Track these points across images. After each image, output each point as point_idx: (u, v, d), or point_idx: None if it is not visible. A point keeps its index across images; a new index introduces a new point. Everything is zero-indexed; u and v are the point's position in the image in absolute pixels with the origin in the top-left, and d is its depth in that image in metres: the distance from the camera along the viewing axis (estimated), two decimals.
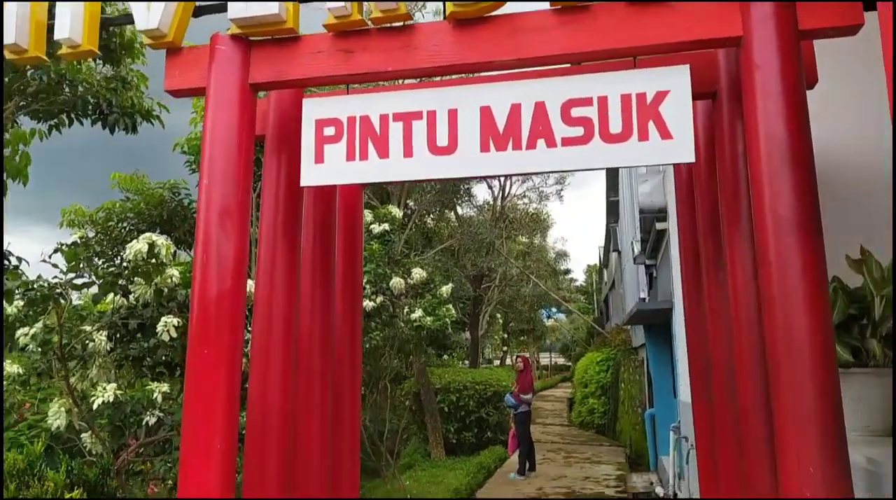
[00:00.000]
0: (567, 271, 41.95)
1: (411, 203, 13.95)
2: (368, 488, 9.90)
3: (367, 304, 8.64)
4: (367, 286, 8.79)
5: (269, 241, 3.98)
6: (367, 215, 9.30)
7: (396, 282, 8.71)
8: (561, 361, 48.62)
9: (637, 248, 9.69)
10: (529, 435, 10.76)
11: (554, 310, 37.11)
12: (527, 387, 10.61)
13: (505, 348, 27.13)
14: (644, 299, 9.12)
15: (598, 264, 37.78)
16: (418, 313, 8.96)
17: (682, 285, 4.67)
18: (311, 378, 4.38)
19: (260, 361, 3.84)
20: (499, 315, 25.46)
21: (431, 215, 15.99)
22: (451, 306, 9.60)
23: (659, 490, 8.62)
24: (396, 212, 9.41)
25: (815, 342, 2.59)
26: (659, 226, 8.16)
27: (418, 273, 9.05)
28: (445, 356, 18.03)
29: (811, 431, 2.56)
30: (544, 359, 47.01)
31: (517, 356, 12.95)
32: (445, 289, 9.39)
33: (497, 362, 27.69)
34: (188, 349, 2.76)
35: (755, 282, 3.20)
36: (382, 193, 12.71)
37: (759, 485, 3.21)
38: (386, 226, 9.03)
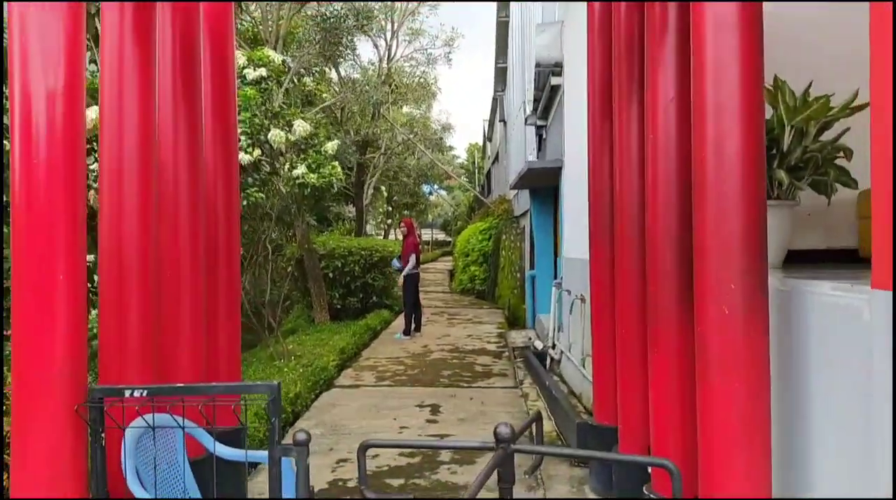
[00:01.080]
0: (451, 148, 41.83)
1: (288, 60, 12.72)
2: (248, 355, 9.61)
3: (244, 157, 7.88)
4: (243, 138, 7.98)
5: (113, 50, 3.21)
6: (241, 58, 8.26)
7: (276, 135, 7.96)
8: (442, 237, 49.79)
9: (529, 107, 9.47)
10: (417, 297, 10.82)
11: (436, 186, 37.21)
12: (412, 249, 10.51)
13: (389, 221, 27.03)
14: (534, 160, 9.04)
15: (480, 143, 37.84)
16: (301, 169, 8.34)
17: (589, 125, 4.47)
18: (176, 229, 3.83)
19: (111, 192, 3.23)
20: (383, 188, 25.05)
21: (311, 75, 14.79)
22: (336, 164, 9.03)
23: (537, 344, 9.05)
24: (274, 56, 8.43)
25: (747, 156, 2.44)
26: (554, 81, 7.91)
27: (301, 127, 8.31)
28: (326, 231, 17.56)
29: (735, 248, 2.48)
30: (426, 235, 47.88)
31: (401, 220, 12.76)
32: (331, 145, 8.75)
33: (381, 236, 27.64)
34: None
35: (676, 102, 3.01)
36: (254, 40, 11.41)
37: (665, 337, 3.21)
38: (263, 71, 8.09)
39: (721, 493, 2.46)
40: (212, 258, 4.31)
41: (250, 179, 8.14)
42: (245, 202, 7.91)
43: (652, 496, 3.13)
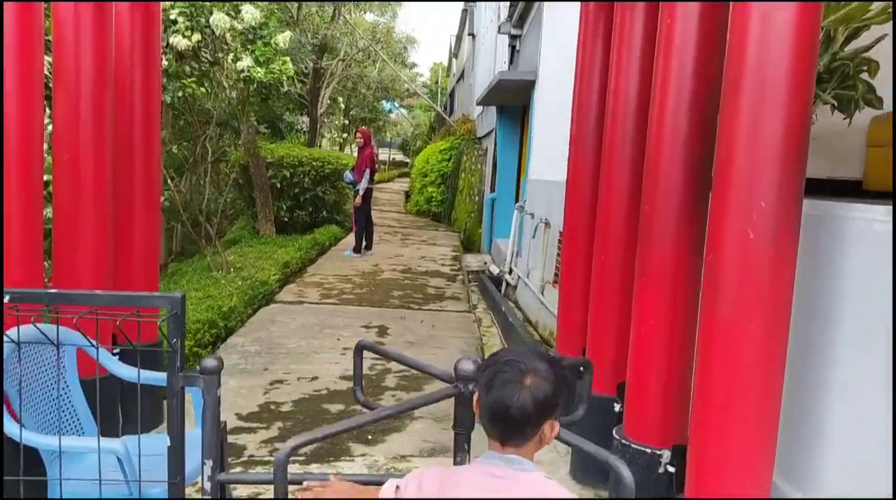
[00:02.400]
0: (414, 65, 40.05)
1: None
2: (184, 265, 8.93)
3: (180, 41, 6.93)
4: (181, 19, 7.00)
5: None
6: None
7: (220, 19, 7.01)
8: (400, 157, 48.56)
9: (505, 13, 8.68)
10: (369, 214, 10.21)
11: (397, 104, 35.94)
12: (367, 163, 9.80)
13: (345, 135, 25.85)
14: (506, 71, 8.35)
15: (445, 62, 36.31)
16: (247, 62, 7.42)
17: (582, 15, 3.85)
18: (75, 112, 3.07)
19: None
20: (340, 99, 23.75)
21: None
22: (288, 60, 8.12)
23: (493, 268, 8.66)
24: None
25: (799, 39, 1.91)
26: None
27: (250, 13, 7.35)
28: (278, 142, 16.50)
29: (772, 155, 1.97)
30: (383, 154, 46.60)
31: (357, 130, 11.93)
32: (283, 38, 7.82)
33: (336, 149, 26.50)
34: None
35: None
36: None
37: (659, 263, 2.73)
38: None
39: (718, 446, 2.08)
40: (124, 154, 3.61)
41: (188, 68, 7.22)
42: (180, 94, 7.05)
43: (623, 440, 2.76)
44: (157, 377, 2.45)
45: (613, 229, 3.19)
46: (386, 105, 33.00)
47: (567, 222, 3.95)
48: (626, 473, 1.65)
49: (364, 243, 10.15)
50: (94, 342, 2.22)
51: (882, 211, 1.90)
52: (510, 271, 7.86)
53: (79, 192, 3.13)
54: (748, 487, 2.07)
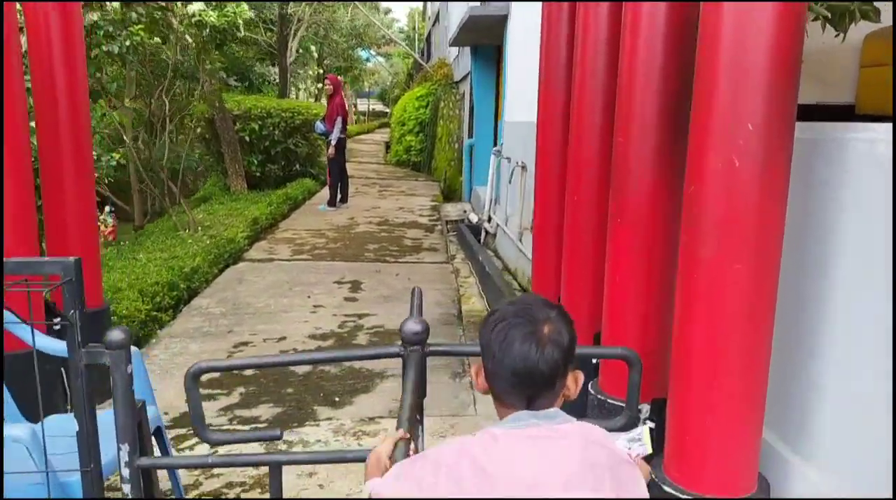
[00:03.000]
0: (388, 11, 38.69)
1: None
2: (152, 226, 8.57)
3: None
4: None
5: None
6: None
7: None
8: (379, 107, 47.46)
9: None
10: (343, 165, 9.83)
11: (373, 52, 34.89)
12: (338, 111, 9.36)
13: (319, 86, 24.99)
14: (477, 6, 7.88)
15: (420, 7, 35.04)
16: (198, 5, 6.91)
17: None
18: None
19: None
20: (313, 48, 22.86)
21: None
22: (243, 3, 7.60)
23: (472, 217, 8.38)
24: None
25: None
26: None
27: None
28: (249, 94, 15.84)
29: (761, 68, 1.68)
30: (362, 105, 45.54)
31: (325, 76, 11.40)
32: None
33: (312, 100, 25.70)
34: None
35: None
36: None
37: (634, 203, 2.46)
38: None
39: (700, 400, 1.86)
40: (47, 106, 3.25)
41: (134, 14, 6.70)
42: (128, 43, 6.55)
43: (599, 394, 2.55)
44: (53, 347, 2.17)
45: (586, 169, 2.91)
46: (362, 54, 31.97)
47: (539, 164, 3.67)
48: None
49: (339, 196, 9.81)
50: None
51: (884, 129, 1.63)
52: (489, 219, 7.59)
53: None
54: (734, 445, 1.86)
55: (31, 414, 2.39)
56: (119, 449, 1.77)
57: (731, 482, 1.88)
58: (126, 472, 1.78)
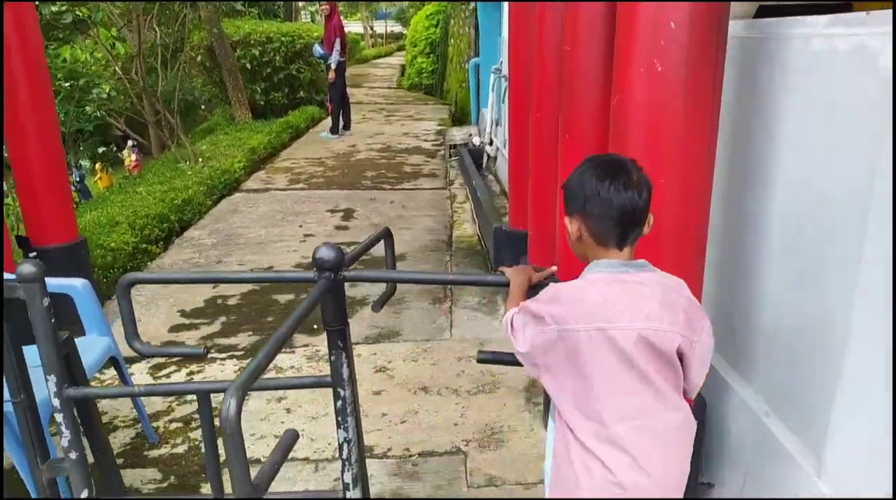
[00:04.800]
0: None
1: None
2: (156, 160, 8.57)
3: None
4: None
5: None
6: None
7: None
8: (398, 29, 45.97)
9: None
10: (344, 90, 9.59)
11: None
12: (336, 33, 9.05)
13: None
14: None
15: None
16: None
17: None
18: None
19: None
20: None
21: None
22: None
23: (475, 141, 8.18)
24: None
25: None
26: None
27: None
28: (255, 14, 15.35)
29: None
30: (379, 27, 44.14)
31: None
32: None
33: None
34: None
35: None
36: None
37: (578, 118, 2.31)
38: None
39: None
40: None
41: None
42: None
43: None
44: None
45: (547, 83, 2.75)
46: None
47: (512, 80, 3.50)
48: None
49: (342, 123, 9.63)
50: None
51: (824, 21, 1.46)
52: (490, 142, 7.39)
53: None
54: None
55: None
56: (46, 381, 1.80)
57: None
58: (56, 402, 1.82)
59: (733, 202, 1.89)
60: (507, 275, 1.58)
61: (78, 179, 11.50)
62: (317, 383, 1.90)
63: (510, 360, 1.73)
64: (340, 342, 1.81)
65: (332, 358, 1.82)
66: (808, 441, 1.57)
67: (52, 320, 1.77)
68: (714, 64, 1.56)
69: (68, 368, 1.84)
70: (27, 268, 1.72)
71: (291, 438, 1.59)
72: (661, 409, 1.25)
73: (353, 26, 32.10)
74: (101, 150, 12.44)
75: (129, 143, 12.15)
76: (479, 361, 1.74)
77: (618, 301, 1.24)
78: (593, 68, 2.08)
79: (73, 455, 1.88)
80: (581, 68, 2.13)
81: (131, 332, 1.89)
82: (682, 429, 1.27)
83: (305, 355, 3.38)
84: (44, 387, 1.84)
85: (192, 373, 3.22)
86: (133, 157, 12.75)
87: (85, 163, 12.15)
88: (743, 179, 1.83)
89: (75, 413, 1.88)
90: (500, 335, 3.50)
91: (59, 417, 1.84)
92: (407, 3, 38.94)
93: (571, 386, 1.27)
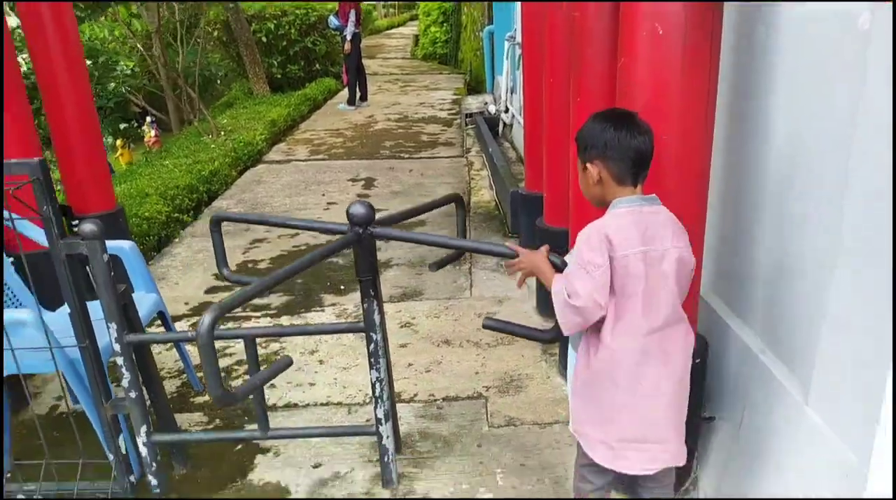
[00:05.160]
0: None
1: None
2: (179, 133, 8.77)
3: None
4: None
5: None
6: None
7: None
8: None
9: None
10: (360, 61, 9.69)
11: None
12: (351, 4, 9.11)
13: None
14: None
15: None
16: None
17: None
18: None
19: None
20: None
21: None
22: None
23: (491, 108, 8.26)
24: None
25: None
26: None
27: None
28: None
29: None
30: None
31: None
32: None
33: None
34: None
35: None
36: None
37: (588, 80, 2.43)
38: None
39: None
40: (35, 28, 3.33)
41: None
42: None
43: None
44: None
45: (559, 49, 2.87)
46: None
47: (525, 45, 3.61)
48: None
49: (358, 94, 9.74)
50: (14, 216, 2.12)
51: None
52: (506, 110, 7.48)
53: None
54: None
55: (52, 306, 2.67)
56: (108, 328, 2.01)
57: None
58: (117, 347, 2.03)
59: (732, 152, 2.02)
60: (523, 254, 1.72)
61: None
62: (351, 328, 2.10)
63: (515, 330, 1.89)
64: (372, 291, 2.00)
65: (365, 305, 2.01)
66: (797, 373, 1.73)
67: (111, 274, 1.98)
68: (711, 27, 1.69)
69: (126, 317, 2.05)
70: (88, 227, 1.92)
71: (285, 362, 1.82)
72: (676, 319, 1.56)
73: None
74: (122, 126, 12.71)
75: (148, 119, 12.38)
76: (485, 327, 1.87)
77: (647, 228, 1.50)
78: (601, 33, 2.20)
79: (132, 395, 2.10)
80: (589, 33, 2.25)
81: (221, 260, 2.17)
82: (686, 337, 1.59)
83: (335, 313, 3.59)
84: (103, 335, 2.06)
85: (228, 330, 3.44)
86: (152, 132, 12.99)
87: (107, 139, 12.42)
88: (741, 130, 1.96)
89: (133, 357, 2.09)
90: (516, 293, 3.68)
91: (119, 360, 2.05)
92: None
93: (615, 309, 1.51)
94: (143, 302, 2.59)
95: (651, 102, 1.74)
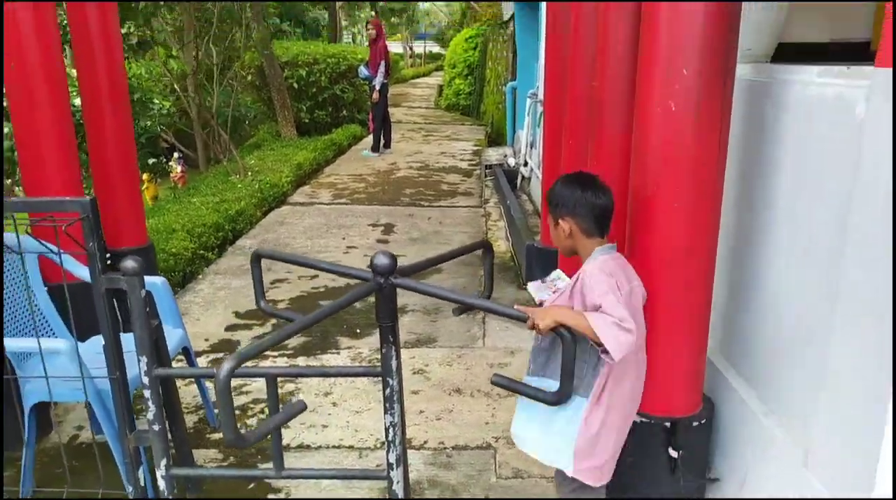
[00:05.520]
0: None
1: None
2: (207, 172, 9.05)
3: None
4: None
5: None
6: None
7: None
8: (436, 49, 46.79)
9: None
10: (386, 110, 10.00)
11: None
12: (381, 55, 9.47)
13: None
14: None
15: None
16: None
17: None
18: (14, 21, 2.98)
19: None
20: None
21: None
22: None
23: (511, 161, 8.45)
24: None
25: None
26: None
27: None
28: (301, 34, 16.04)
29: (697, 14, 1.78)
30: (418, 47, 45.00)
31: (368, 21, 11.46)
32: None
33: (366, 44, 25.66)
34: None
35: None
36: None
37: (608, 136, 2.57)
38: None
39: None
40: (87, 63, 3.56)
41: None
42: None
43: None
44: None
45: (579, 113, 3.01)
46: None
47: (547, 99, 3.77)
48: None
49: (382, 142, 10.02)
50: (54, 248, 2.26)
51: (817, 71, 1.69)
52: (525, 164, 7.66)
53: (34, 105, 3.12)
54: (677, 368, 2.03)
55: (85, 337, 2.79)
56: (139, 361, 2.11)
57: (675, 402, 2.06)
58: (146, 380, 2.13)
59: (739, 222, 2.12)
60: (533, 313, 1.78)
61: None
62: (367, 372, 2.18)
63: (521, 389, 1.96)
64: (391, 337, 2.08)
65: (384, 350, 2.09)
66: (797, 436, 1.78)
67: (147, 309, 2.09)
68: (721, 104, 1.81)
69: (156, 351, 2.16)
70: (130, 264, 2.04)
71: (299, 407, 1.88)
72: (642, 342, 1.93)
73: (393, 46, 32.99)
74: (150, 161, 13.14)
75: (176, 155, 12.78)
76: (494, 383, 1.92)
77: (625, 269, 1.85)
78: (618, 104, 2.34)
79: (156, 427, 2.18)
80: (607, 104, 2.39)
81: (259, 293, 2.26)
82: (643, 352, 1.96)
83: (349, 357, 3.67)
84: (131, 367, 2.16)
85: (249, 368, 3.53)
86: (179, 168, 13.37)
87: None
88: (747, 202, 2.06)
89: (160, 391, 2.18)
90: (529, 345, 3.74)
91: (146, 393, 2.15)
92: (446, 22, 39.73)
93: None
94: (171, 337, 2.70)
95: (663, 172, 1.85)
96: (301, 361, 3.63)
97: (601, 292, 1.72)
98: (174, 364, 3.42)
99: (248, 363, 2.40)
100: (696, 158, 1.81)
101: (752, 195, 2.04)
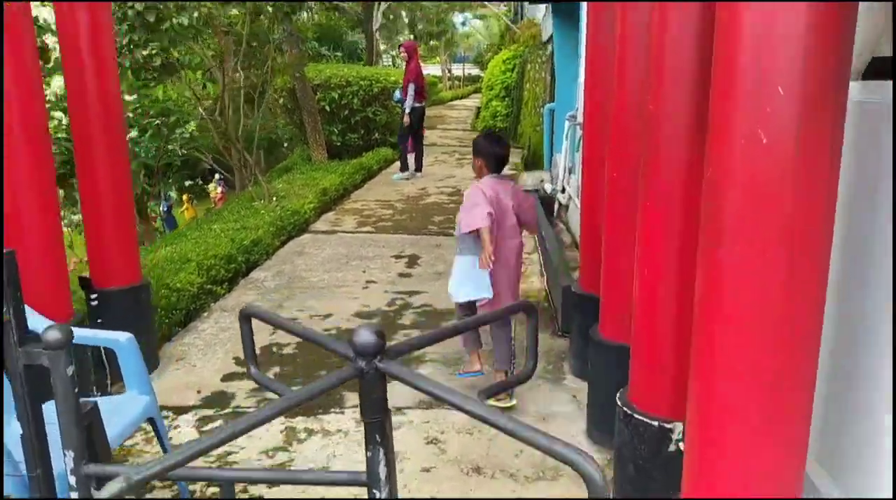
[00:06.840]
0: None
1: None
2: (233, 197, 8.80)
3: None
4: None
5: None
6: None
7: None
8: (475, 72, 46.75)
9: None
10: (417, 133, 9.62)
11: (468, 16, 34.32)
12: (413, 77, 9.12)
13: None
14: None
15: None
16: None
17: None
18: None
19: None
20: (404, 13, 22.69)
21: None
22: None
23: (547, 187, 7.94)
24: None
25: None
26: None
27: None
28: (339, 57, 15.91)
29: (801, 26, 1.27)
30: (457, 70, 45.04)
31: (400, 45, 11.17)
32: None
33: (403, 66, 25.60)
34: None
35: None
36: None
37: (665, 182, 2.06)
38: None
39: (720, 429, 1.50)
40: (77, 91, 3.24)
41: None
42: (196, 14, 6.61)
43: (626, 408, 2.21)
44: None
45: (627, 141, 2.51)
46: (458, 18, 31.47)
47: (586, 127, 3.28)
48: (593, 472, 1.12)
49: (414, 166, 9.63)
50: None
51: None
52: (563, 190, 7.15)
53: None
54: (766, 487, 1.49)
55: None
56: (64, 455, 1.68)
57: None
58: (72, 480, 1.69)
59: (850, 283, 1.58)
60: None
61: (165, 209, 12.05)
62: (350, 481, 1.69)
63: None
64: (378, 436, 1.60)
65: (369, 454, 1.61)
66: None
67: (76, 390, 1.66)
68: (829, 133, 1.29)
69: (90, 440, 1.72)
70: (53, 334, 1.61)
71: None
72: (513, 235, 3.19)
73: (431, 69, 32.98)
74: (187, 183, 13.06)
75: (216, 176, 12.69)
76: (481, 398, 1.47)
77: (499, 189, 3.10)
78: (682, 133, 1.83)
79: None
80: (667, 132, 1.89)
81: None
82: (517, 249, 3.26)
83: (354, 419, 3.19)
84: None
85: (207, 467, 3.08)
86: (219, 190, 13.28)
87: (172, 194, 12.75)
88: (870, 260, 1.52)
89: (93, 490, 1.75)
90: (563, 409, 3.22)
91: (73, 496, 1.71)
92: (485, 44, 39.65)
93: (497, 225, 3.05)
94: (132, 406, 2.28)
95: (750, 228, 1.34)
96: (300, 421, 3.17)
97: (470, 194, 3.11)
98: (138, 437, 2.98)
99: (220, 422, 1.90)
100: (797, 206, 1.29)
101: (873, 254, 1.50)
